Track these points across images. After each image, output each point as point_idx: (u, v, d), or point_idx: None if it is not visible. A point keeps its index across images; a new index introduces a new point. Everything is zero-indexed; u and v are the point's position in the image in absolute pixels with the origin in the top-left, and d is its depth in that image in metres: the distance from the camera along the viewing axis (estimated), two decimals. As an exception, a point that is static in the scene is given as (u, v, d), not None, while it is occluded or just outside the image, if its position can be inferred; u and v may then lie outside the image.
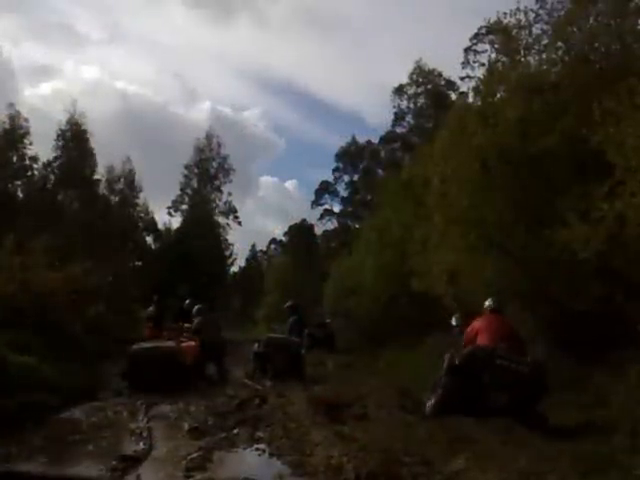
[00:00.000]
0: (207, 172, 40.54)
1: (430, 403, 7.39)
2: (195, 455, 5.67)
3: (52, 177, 29.81)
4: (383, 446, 5.53)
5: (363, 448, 5.38)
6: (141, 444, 6.25)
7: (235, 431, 7.05)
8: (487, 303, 8.76)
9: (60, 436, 6.69)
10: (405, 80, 42.94)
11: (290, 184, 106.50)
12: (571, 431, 6.76)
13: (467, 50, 33.82)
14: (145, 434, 6.72)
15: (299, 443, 6.18)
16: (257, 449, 6.26)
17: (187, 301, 15.04)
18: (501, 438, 6.26)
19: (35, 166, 28.48)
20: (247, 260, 67.10)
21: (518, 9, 11.64)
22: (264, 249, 71.25)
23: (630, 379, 8.07)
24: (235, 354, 19.24)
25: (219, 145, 40.91)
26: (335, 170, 52.50)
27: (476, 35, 32.68)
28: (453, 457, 5.20)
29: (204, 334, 12.51)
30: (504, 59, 12.07)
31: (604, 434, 6.40)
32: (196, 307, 13.57)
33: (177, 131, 76.78)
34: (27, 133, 27.77)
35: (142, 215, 35.27)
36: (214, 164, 40.78)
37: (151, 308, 15.62)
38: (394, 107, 43.99)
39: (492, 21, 12.68)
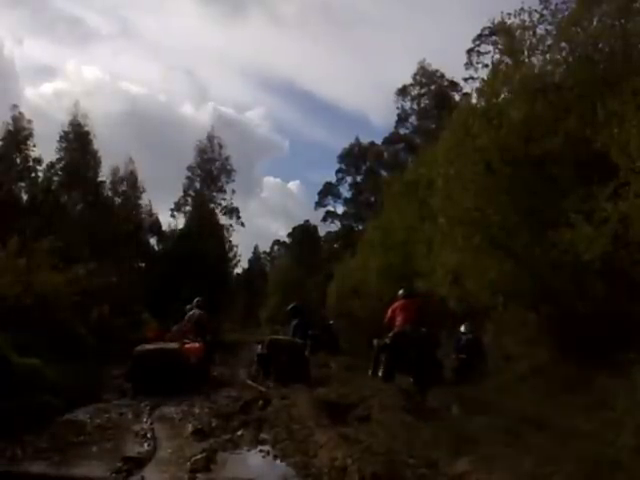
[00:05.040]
0: (210, 173, 40.48)
1: (380, 371, 10.56)
2: (199, 456, 5.64)
3: (56, 179, 29.86)
4: (387, 448, 5.51)
5: (367, 450, 5.35)
6: (145, 445, 6.24)
7: (239, 433, 7.04)
8: (400, 292, 11.52)
9: (64, 438, 6.67)
10: (409, 81, 43.05)
11: (293, 185, 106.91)
12: (576, 433, 6.73)
13: (470, 51, 33.96)
14: (149, 435, 6.72)
15: (303, 445, 6.16)
16: (261, 451, 6.24)
17: (187, 306, 14.96)
18: (506, 440, 6.24)
19: (39, 168, 28.53)
20: (250, 261, 67.27)
21: (522, 9, 11.65)
22: (267, 250, 71.51)
23: (634, 380, 8.04)
24: (238, 355, 19.30)
25: (220, 146, 40.79)
26: (338, 171, 52.59)
27: (479, 36, 32.84)
28: (457, 459, 5.18)
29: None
30: (508, 60, 12.06)
31: (609, 436, 6.38)
32: (195, 300, 13.65)
33: (181, 131, 77.21)
34: (30, 135, 27.83)
35: (145, 217, 35.35)
36: (217, 164, 40.72)
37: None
38: (398, 108, 44.11)
39: (496, 22, 12.69)
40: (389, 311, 11.12)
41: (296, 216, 75.38)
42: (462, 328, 13.89)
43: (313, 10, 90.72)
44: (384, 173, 44.81)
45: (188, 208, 40.43)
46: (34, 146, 27.93)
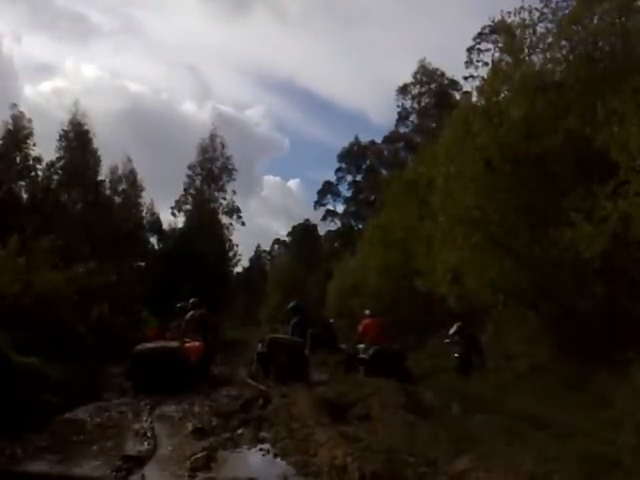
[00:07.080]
0: (211, 172, 40.45)
1: (361, 372, 12.81)
2: (199, 455, 5.65)
3: (55, 178, 29.82)
4: (387, 446, 5.51)
5: (367, 448, 5.35)
6: (145, 444, 6.24)
7: (239, 431, 7.04)
8: (366, 312, 14.72)
9: (64, 436, 6.68)
10: (409, 79, 43.05)
11: (293, 183, 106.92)
12: (575, 431, 6.74)
13: (470, 50, 33.93)
14: (149, 434, 6.72)
15: (303, 443, 6.17)
16: (261, 449, 6.25)
17: (178, 305, 14.91)
18: (505, 438, 6.24)
19: (39, 167, 28.44)
20: (251, 260, 67.28)
21: (522, 8, 11.63)
22: (267, 249, 71.53)
23: (634, 379, 8.04)
24: (239, 354, 19.29)
25: (223, 146, 40.78)
26: (338, 170, 52.55)
27: (479, 34, 32.81)
28: (457, 457, 5.18)
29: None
30: (508, 58, 12.04)
31: (609, 434, 6.38)
32: (191, 300, 13.57)
33: (182, 129, 77.18)
34: (30, 134, 27.75)
35: (145, 215, 35.34)
36: (218, 163, 40.69)
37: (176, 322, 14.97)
38: (398, 106, 44.10)
39: (496, 20, 12.68)
40: (360, 327, 14.00)
41: (296, 214, 75.65)
42: (451, 330, 13.82)
43: (315, 7, 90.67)
44: (384, 172, 44.82)
45: (188, 207, 40.42)
46: (34, 145, 27.88)
